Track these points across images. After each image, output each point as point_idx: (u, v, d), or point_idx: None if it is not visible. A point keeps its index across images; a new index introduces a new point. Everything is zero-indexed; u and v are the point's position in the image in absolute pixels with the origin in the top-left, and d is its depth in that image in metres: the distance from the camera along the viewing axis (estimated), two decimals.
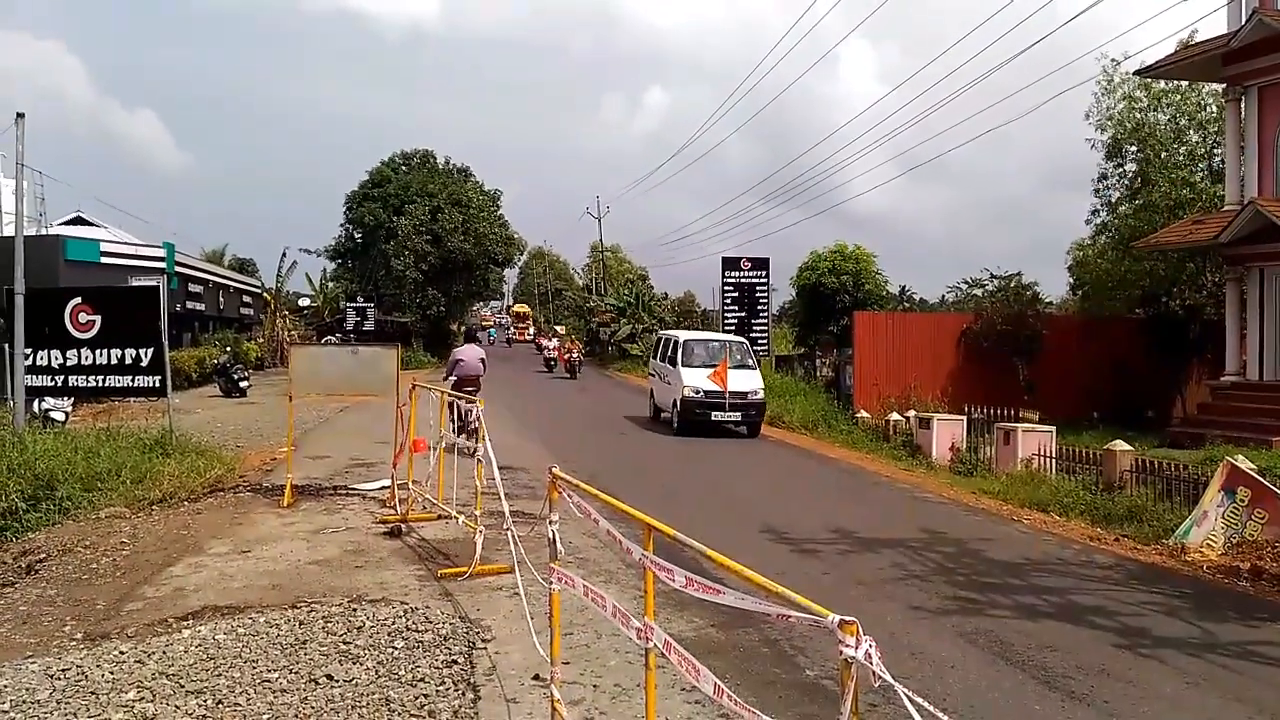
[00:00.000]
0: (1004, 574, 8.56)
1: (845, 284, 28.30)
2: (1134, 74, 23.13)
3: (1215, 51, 18.61)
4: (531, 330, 79.77)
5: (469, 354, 15.45)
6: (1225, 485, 9.79)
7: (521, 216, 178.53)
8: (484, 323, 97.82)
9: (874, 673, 2.15)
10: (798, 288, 30.98)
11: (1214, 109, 23.62)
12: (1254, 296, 18.44)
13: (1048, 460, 13.78)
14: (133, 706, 5.05)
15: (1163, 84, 24.15)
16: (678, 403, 18.85)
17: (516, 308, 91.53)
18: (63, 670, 5.61)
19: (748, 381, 18.93)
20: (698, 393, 18.41)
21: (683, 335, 21.34)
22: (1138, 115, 24.83)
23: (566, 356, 37.76)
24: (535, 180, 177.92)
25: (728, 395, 18.25)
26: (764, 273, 31.25)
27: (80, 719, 4.89)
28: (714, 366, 18.74)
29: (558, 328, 61.41)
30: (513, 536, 6.93)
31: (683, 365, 19.18)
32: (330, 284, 54.87)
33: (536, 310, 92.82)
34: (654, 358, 22.15)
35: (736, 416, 18.55)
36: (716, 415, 18.36)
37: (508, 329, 79.14)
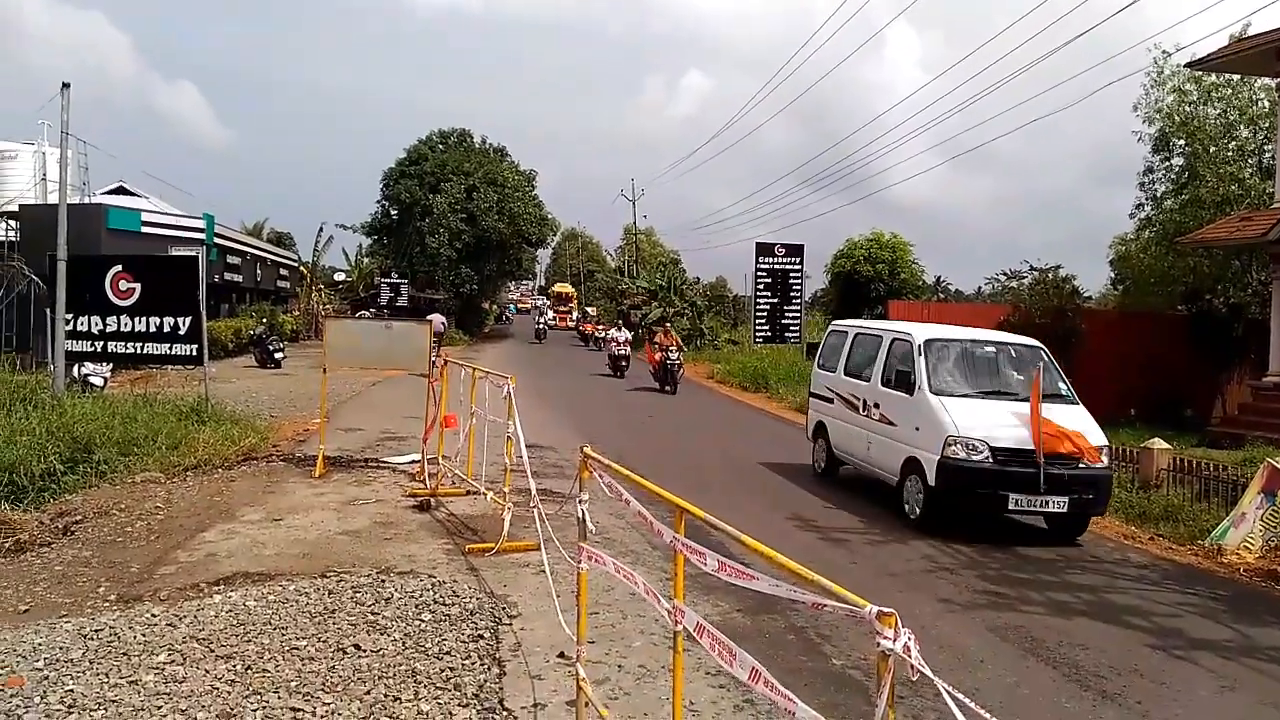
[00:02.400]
0: (1036, 570, 8.44)
1: (880, 272, 28.09)
2: (1185, 66, 22.60)
3: (1269, 45, 18.12)
4: (575, 315, 64.25)
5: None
6: (1265, 487, 9.57)
7: (556, 197, 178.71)
8: (520, 304, 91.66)
9: (912, 666, 2.09)
10: (832, 275, 30.80)
11: (1266, 104, 23.05)
12: None
13: None
14: (163, 669, 5.11)
15: (1214, 77, 23.58)
16: (927, 469, 9.53)
17: (557, 287, 77.44)
18: (96, 631, 5.70)
19: (1075, 423, 9.66)
20: (978, 451, 9.28)
21: (916, 330, 10.98)
22: (1187, 109, 24.29)
23: (659, 355, 24.14)
24: (570, 162, 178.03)
25: (1042, 461, 9.07)
26: (798, 260, 31.05)
27: (112, 679, 4.96)
28: (1001, 396, 10.02)
29: (601, 316, 51.38)
30: (539, 514, 6.93)
31: (933, 390, 9.94)
32: (365, 259, 55.21)
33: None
34: (829, 364, 12.72)
35: (1060, 503, 9.26)
36: (1018, 499, 9.17)
37: (542, 312, 54.52)
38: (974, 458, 9.28)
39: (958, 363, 10.50)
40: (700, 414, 20.51)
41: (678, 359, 24.27)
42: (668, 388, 23.85)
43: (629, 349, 28.88)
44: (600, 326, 44.80)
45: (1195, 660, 6.18)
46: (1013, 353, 10.93)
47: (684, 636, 3.50)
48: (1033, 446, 9.10)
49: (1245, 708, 5.49)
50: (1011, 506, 9.25)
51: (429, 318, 20.99)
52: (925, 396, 9.96)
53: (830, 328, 13.97)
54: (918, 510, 9.81)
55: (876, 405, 10.97)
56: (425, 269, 48.75)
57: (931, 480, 9.47)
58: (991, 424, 9.45)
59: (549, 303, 70.07)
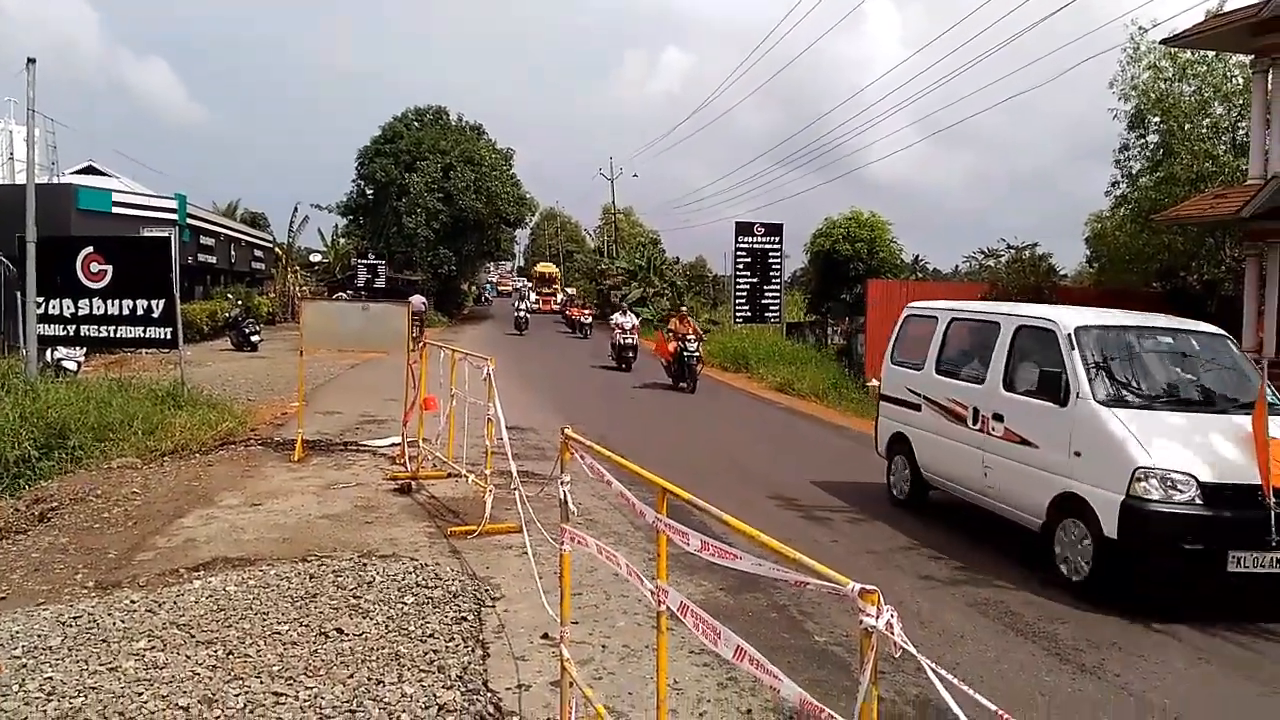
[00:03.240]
0: (1014, 545, 8.52)
1: (859, 251, 28.09)
2: (1160, 43, 22.68)
3: (1245, 21, 18.20)
4: (560, 298, 59.13)
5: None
6: None
7: (534, 177, 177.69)
8: (500, 285, 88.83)
9: (895, 643, 2.11)
10: (811, 254, 30.78)
11: (1240, 80, 23.20)
12: (1274, 273, 18.20)
13: None
14: (143, 655, 5.08)
15: (1189, 54, 23.69)
16: (1101, 513, 6.89)
17: (540, 267, 70.34)
18: (74, 618, 5.65)
19: None
20: (1183, 490, 6.67)
21: (1060, 315, 8.25)
22: (1162, 85, 24.40)
23: (674, 346, 20.51)
24: (548, 141, 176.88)
25: (1273, 502, 6.49)
26: (777, 239, 31.04)
27: (91, 666, 4.92)
28: (1194, 407, 7.53)
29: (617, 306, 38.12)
30: (521, 496, 6.93)
31: (1104, 400, 7.36)
32: (342, 240, 54.76)
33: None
34: (910, 360, 10.26)
35: None
36: (1241, 556, 6.57)
37: (523, 296, 45.26)
38: (1176, 498, 6.59)
39: (1129, 360, 7.77)
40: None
41: (697, 350, 20.55)
42: (684, 384, 20.35)
43: (637, 337, 25.22)
44: (587, 310, 40.85)
45: (1174, 634, 6.27)
46: (1194, 343, 8.18)
47: (667, 616, 3.51)
48: (1259, 481, 6.49)
49: (1222, 680, 5.58)
50: (1231, 566, 6.54)
51: (409, 299, 20.73)
52: (1091, 409, 7.22)
53: (908, 311, 10.83)
54: (1083, 569, 7.00)
55: (999, 417, 8.21)
56: (402, 250, 48.45)
57: (1110, 530, 6.73)
58: (1196, 449, 6.83)
59: (530, 284, 62.84)
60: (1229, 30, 19.07)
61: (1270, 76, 18.45)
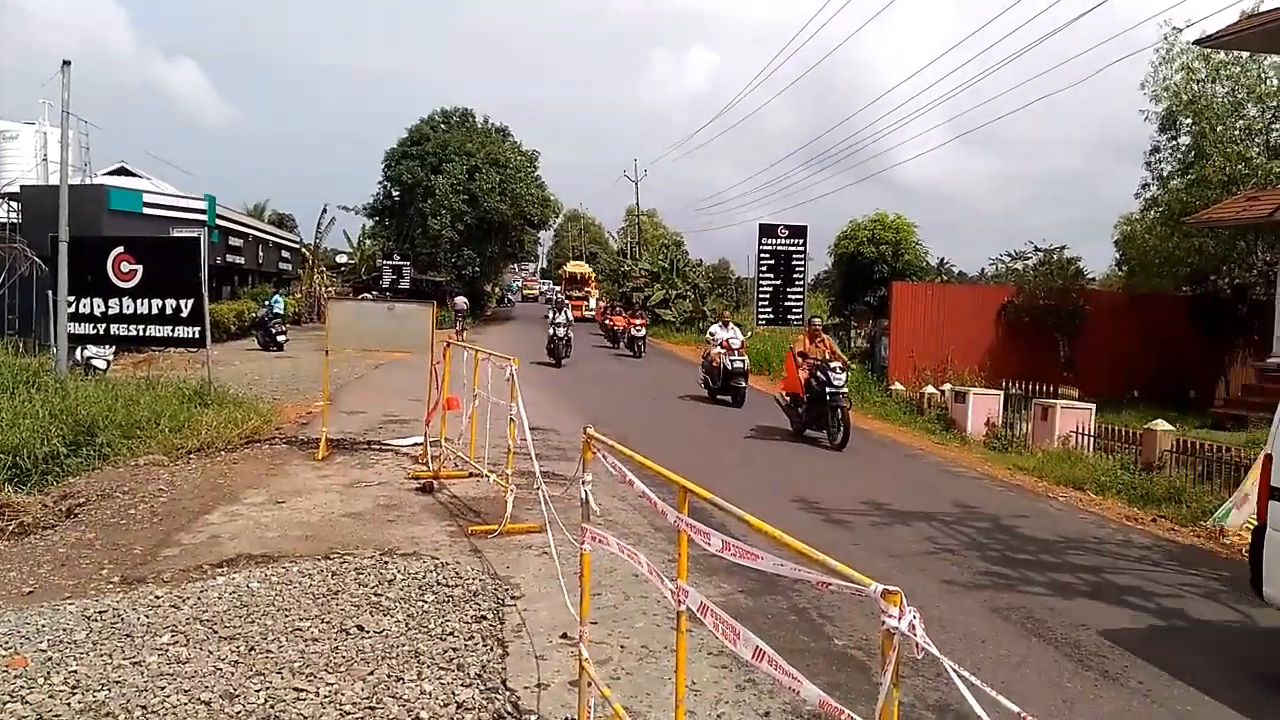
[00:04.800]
0: (1038, 551, 8.44)
1: (884, 254, 27.97)
2: (1193, 43, 22.40)
3: (1279, 23, 17.94)
4: (591, 302, 51.67)
5: None
6: None
7: (558, 179, 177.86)
8: (526, 288, 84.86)
9: (917, 644, 2.08)
10: (835, 256, 30.68)
11: (1275, 82, 22.87)
12: None
13: (1086, 438, 13.56)
14: (167, 650, 5.12)
15: (1223, 55, 23.37)
16: None
17: (570, 267, 60.15)
18: (99, 612, 5.71)
19: None
20: None
21: None
22: (1195, 87, 24.09)
23: (807, 375, 14.06)
24: (573, 142, 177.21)
25: None
26: (801, 241, 30.93)
27: (115, 660, 4.97)
28: None
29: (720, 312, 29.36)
30: (544, 496, 6.93)
31: None
32: (368, 241, 55.11)
33: None
34: None
35: None
36: None
37: (560, 306, 26.43)
38: None
39: None
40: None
41: (842, 384, 13.50)
42: (827, 433, 13.52)
43: (744, 360, 18.07)
44: (639, 320, 31.66)
45: (1197, 641, 6.17)
46: None
47: (687, 616, 3.49)
48: None
49: (1245, 689, 5.48)
50: None
51: (454, 299, 20.26)
52: None
53: None
54: None
55: None
56: (427, 251, 48.66)
57: None
58: None
59: (559, 288, 52.58)
60: (1264, 31, 18.77)
61: None
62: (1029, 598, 6.93)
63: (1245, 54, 22.94)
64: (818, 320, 16.64)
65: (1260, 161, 22.90)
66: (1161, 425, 12.22)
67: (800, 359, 14.46)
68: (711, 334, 19.11)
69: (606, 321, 36.03)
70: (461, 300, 38.58)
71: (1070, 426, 13.85)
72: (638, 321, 31.55)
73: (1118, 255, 28.79)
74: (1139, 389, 20.55)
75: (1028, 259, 25.12)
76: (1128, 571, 7.91)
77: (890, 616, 2.11)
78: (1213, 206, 20.77)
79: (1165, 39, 24.14)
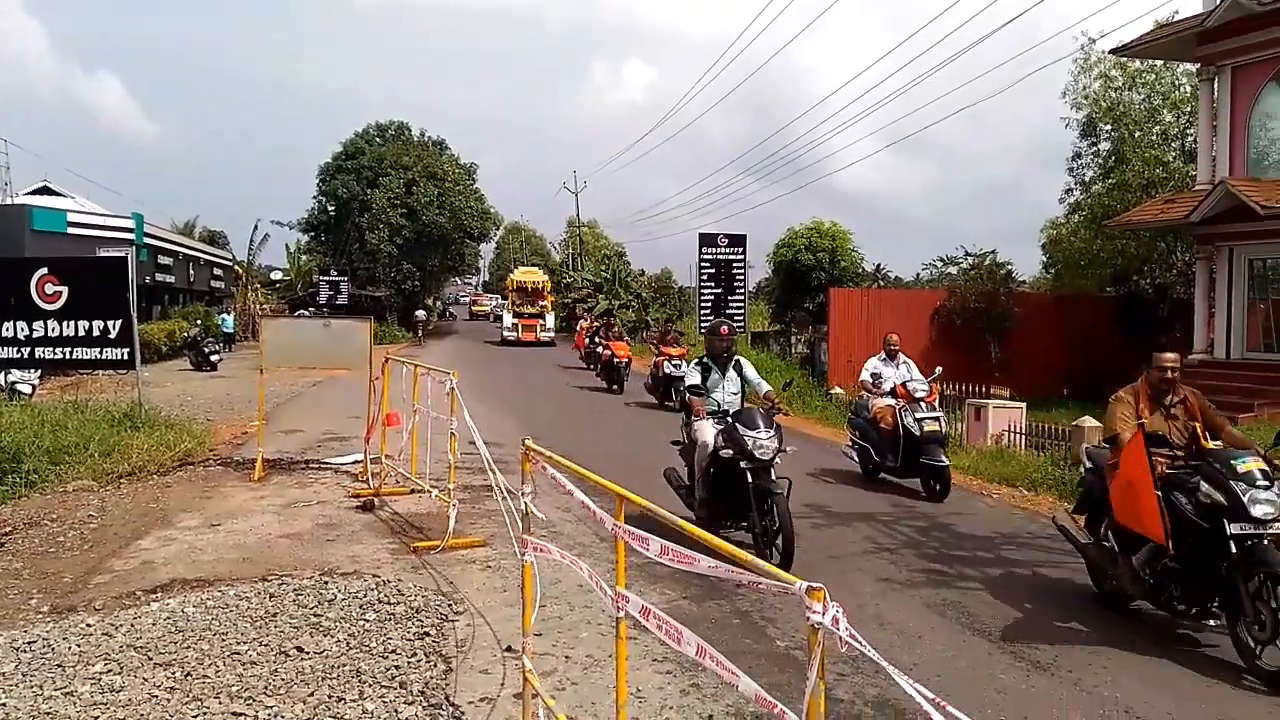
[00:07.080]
0: (973, 547, 8.64)
1: (821, 261, 28.43)
2: (1109, 53, 23.25)
3: (1190, 31, 18.71)
4: (549, 319, 41.75)
5: None
6: None
7: (498, 191, 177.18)
8: (475, 304, 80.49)
9: (840, 639, 2.16)
10: (774, 264, 31.07)
11: (1188, 89, 23.81)
12: (1223, 275, 18.67)
13: (1017, 436, 13.92)
14: (100, 679, 5.00)
15: (1138, 63, 24.29)
16: None
17: (521, 274, 44.97)
18: (29, 643, 5.55)
19: None
20: None
21: None
22: (1113, 94, 25.01)
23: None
24: (512, 155, 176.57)
25: None
26: (741, 250, 31.25)
27: (47, 691, 4.84)
28: None
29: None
30: (506, 507, 6.92)
31: None
32: (303, 257, 54.31)
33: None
34: None
35: None
36: None
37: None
38: None
39: None
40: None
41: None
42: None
43: (940, 417, 11.21)
44: (609, 342, 22.95)
45: (1128, 630, 6.39)
46: None
47: (630, 623, 3.53)
48: None
49: (1174, 675, 5.69)
50: None
51: (415, 313, 20.45)
52: None
53: None
54: None
55: None
56: (365, 266, 48.16)
57: None
58: None
59: (511, 297, 42.98)
60: (1175, 39, 19.58)
61: (1215, 84, 18.95)
62: (964, 593, 7.10)
63: (1159, 62, 23.87)
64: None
65: (1177, 165, 23.83)
66: (1089, 422, 12.59)
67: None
68: (874, 375, 11.82)
69: (597, 349, 24.09)
70: (421, 312, 46.32)
71: (1002, 425, 14.21)
72: (676, 350, 20.46)
73: (1045, 258, 29.67)
74: (1068, 387, 21.17)
75: (959, 263, 25.78)
76: (1060, 565, 8.14)
77: (814, 613, 2.19)
78: (1133, 209, 21.53)
79: (1082, 49, 25.03)
